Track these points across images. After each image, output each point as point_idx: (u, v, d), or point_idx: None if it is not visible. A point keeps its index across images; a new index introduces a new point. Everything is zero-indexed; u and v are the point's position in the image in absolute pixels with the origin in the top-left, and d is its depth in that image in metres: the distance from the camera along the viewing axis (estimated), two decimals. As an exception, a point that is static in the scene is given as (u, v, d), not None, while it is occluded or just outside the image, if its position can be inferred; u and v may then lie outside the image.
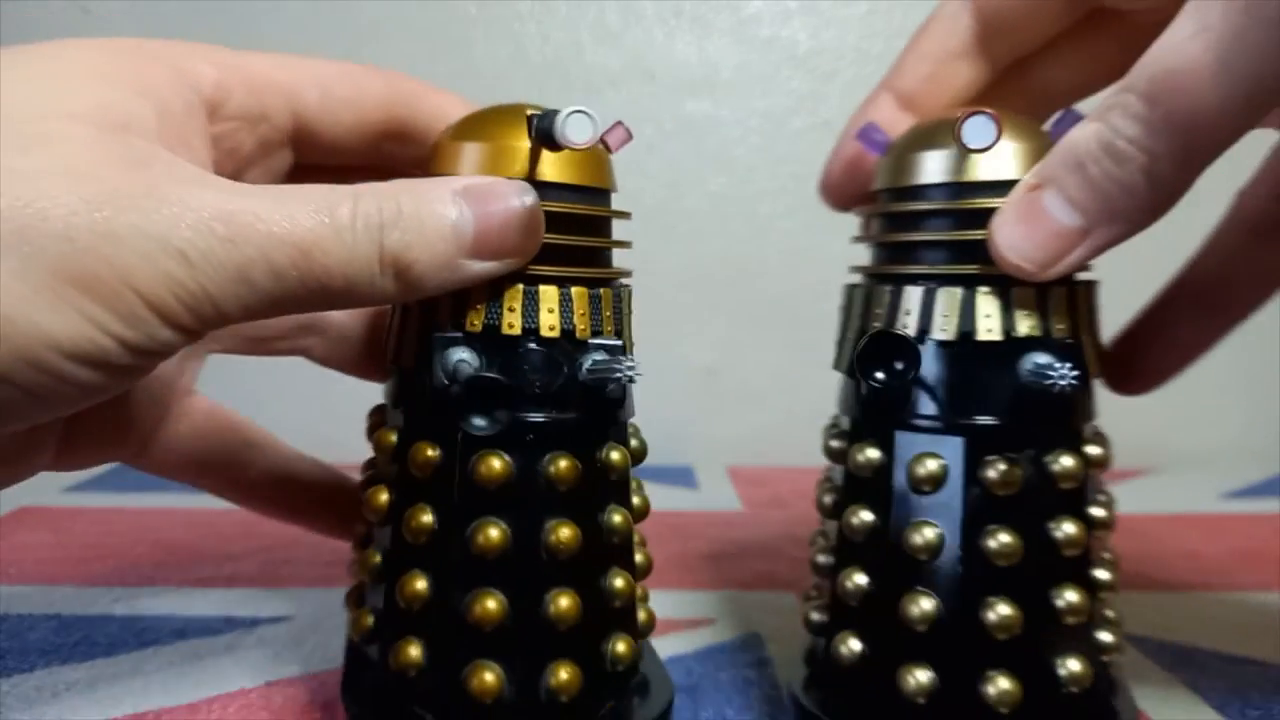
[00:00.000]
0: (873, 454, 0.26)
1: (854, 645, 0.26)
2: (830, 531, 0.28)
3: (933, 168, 0.26)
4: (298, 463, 0.33)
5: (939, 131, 0.26)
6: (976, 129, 0.23)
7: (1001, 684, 0.24)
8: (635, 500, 0.27)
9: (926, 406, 0.25)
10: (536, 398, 0.24)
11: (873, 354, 0.23)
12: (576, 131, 0.23)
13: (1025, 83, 0.30)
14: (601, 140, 0.25)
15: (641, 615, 0.27)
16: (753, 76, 0.66)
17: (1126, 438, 0.75)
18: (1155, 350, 0.31)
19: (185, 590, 0.40)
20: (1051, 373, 0.23)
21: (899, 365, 0.23)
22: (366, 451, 0.28)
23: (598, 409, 0.25)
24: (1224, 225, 0.31)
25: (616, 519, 0.25)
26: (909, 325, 0.25)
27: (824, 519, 0.28)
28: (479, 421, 0.21)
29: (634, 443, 0.27)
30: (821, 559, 0.28)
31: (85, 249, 0.18)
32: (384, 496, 0.26)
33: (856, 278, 0.29)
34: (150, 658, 0.33)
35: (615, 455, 0.25)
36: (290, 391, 0.65)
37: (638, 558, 0.27)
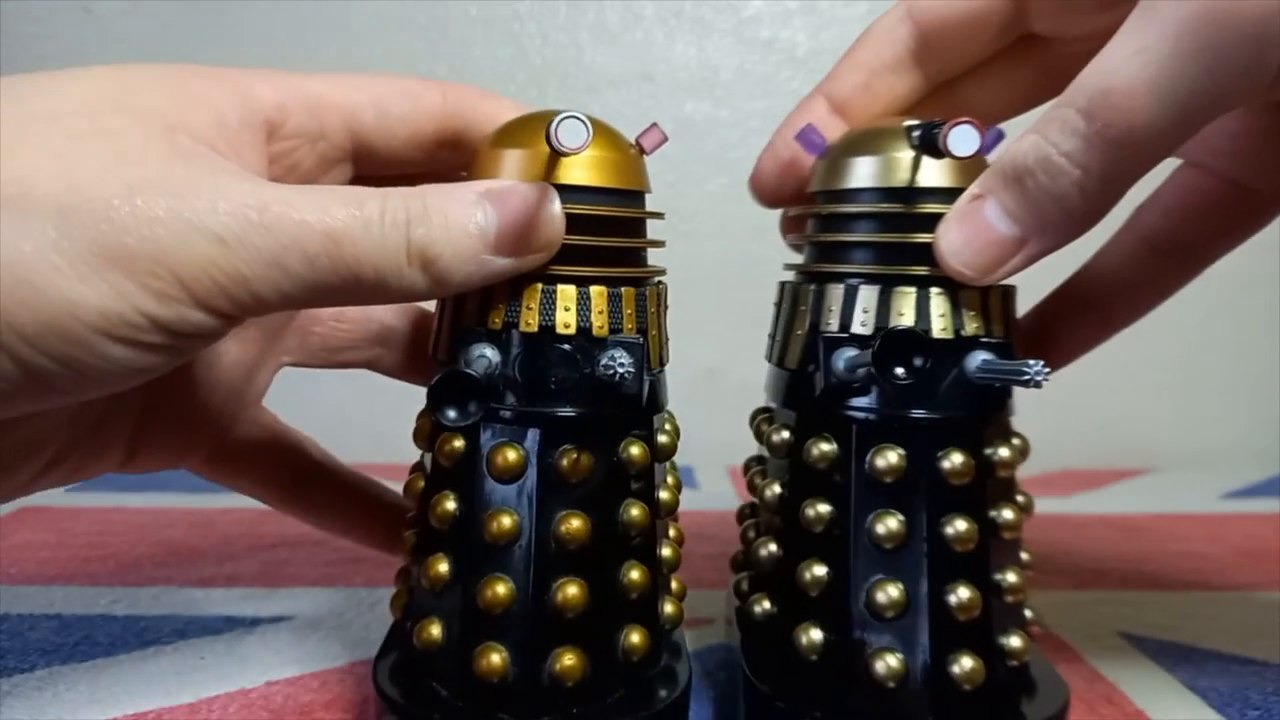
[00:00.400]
0: (826, 447, 0.26)
1: (816, 635, 0.26)
2: (768, 522, 0.29)
3: (874, 171, 0.27)
4: (354, 480, 0.34)
5: (883, 136, 0.27)
6: (961, 137, 0.24)
7: (966, 663, 0.25)
8: (663, 494, 0.28)
9: (883, 401, 0.26)
10: (551, 392, 0.25)
11: (891, 351, 0.24)
12: (569, 136, 0.23)
13: (953, 100, 0.31)
14: (636, 142, 0.26)
15: (668, 608, 0.28)
16: (752, 78, 0.66)
17: (1126, 438, 0.76)
18: (1042, 346, 0.32)
19: (185, 590, 0.40)
20: (1027, 369, 0.23)
21: (918, 362, 0.23)
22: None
23: (615, 404, 0.25)
24: (1119, 238, 0.32)
25: (634, 512, 0.26)
26: (866, 323, 0.26)
27: (768, 512, 0.29)
28: (450, 413, 0.22)
29: (662, 438, 0.28)
30: (765, 552, 0.28)
31: (123, 229, 0.19)
32: (420, 484, 0.27)
33: (790, 275, 0.30)
34: (150, 658, 0.33)
35: (635, 450, 0.26)
36: (290, 392, 0.64)
37: (664, 551, 0.28)
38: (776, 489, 0.28)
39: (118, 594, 0.39)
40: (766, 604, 0.28)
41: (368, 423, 0.63)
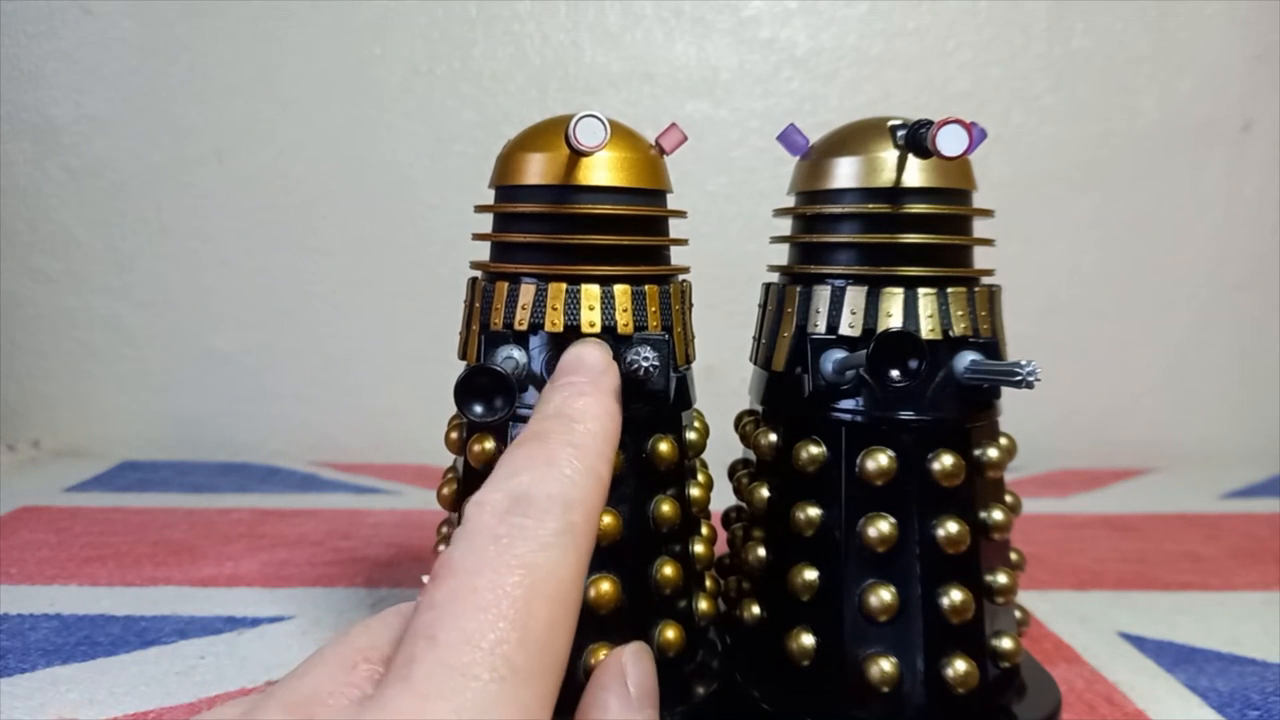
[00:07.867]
0: (816, 450, 0.26)
1: (807, 640, 0.26)
2: (757, 526, 0.29)
3: (858, 171, 0.27)
4: None
5: (866, 136, 0.27)
6: (951, 137, 0.24)
7: (959, 665, 0.25)
8: (694, 491, 0.28)
9: (872, 402, 0.26)
10: None
11: (885, 354, 0.24)
12: (587, 135, 0.23)
13: None
14: (656, 142, 0.26)
15: (702, 605, 0.28)
16: (752, 77, 0.66)
17: (1126, 438, 0.76)
18: None
19: (185, 590, 0.40)
20: (1018, 370, 0.23)
21: (913, 365, 0.23)
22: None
23: (642, 401, 0.26)
24: None
25: (665, 509, 0.26)
26: (854, 325, 0.26)
27: (761, 516, 0.29)
28: (477, 408, 0.22)
29: (691, 434, 0.28)
30: (754, 556, 0.28)
31: None
32: (452, 487, 0.28)
33: (774, 276, 0.30)
34: (150, 658, 0.33)
35: (663, 446, 0.26)
36: (290, 390, 0.65)
37: (697, 548, 0.28)
38: (765, 492, 0.28)
39: (117, 594, 0.39)
40: (756, 609, 0.28)
41: (369, 422, 0.63)
